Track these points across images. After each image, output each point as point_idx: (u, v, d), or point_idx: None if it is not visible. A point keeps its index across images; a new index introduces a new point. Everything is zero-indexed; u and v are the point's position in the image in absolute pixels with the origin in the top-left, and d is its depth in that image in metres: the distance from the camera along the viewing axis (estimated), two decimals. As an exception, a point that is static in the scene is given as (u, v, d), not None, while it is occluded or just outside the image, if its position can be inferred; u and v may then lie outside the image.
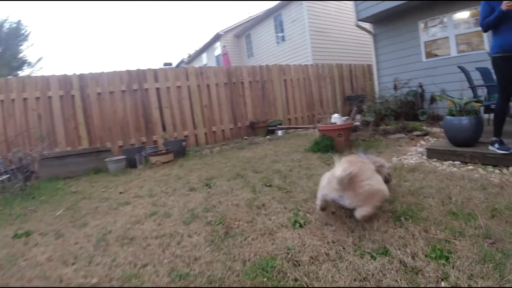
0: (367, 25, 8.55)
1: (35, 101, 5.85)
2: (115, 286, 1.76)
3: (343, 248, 1.92)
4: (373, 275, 1.62)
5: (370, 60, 9.77)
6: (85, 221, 2.88)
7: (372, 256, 1.79)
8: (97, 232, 2.56)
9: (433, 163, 3.72)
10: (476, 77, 4.71)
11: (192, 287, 1.68)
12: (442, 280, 1.54)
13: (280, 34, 13.91)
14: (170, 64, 18.01)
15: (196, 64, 20.27)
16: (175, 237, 2.28)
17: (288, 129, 8.07)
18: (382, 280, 1.57)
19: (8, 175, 4.35)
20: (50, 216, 3.14)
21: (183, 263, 1.88)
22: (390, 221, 2.24)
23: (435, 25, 7.16)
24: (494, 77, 4.76)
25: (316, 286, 1.58)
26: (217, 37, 17.88)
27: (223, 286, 1.64)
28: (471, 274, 1.56)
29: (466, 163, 3.47)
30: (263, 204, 2.82)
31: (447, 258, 1.71)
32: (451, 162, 3.62)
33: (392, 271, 1.63)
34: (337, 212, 2.41)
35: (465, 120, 3.57)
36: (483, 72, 4.70)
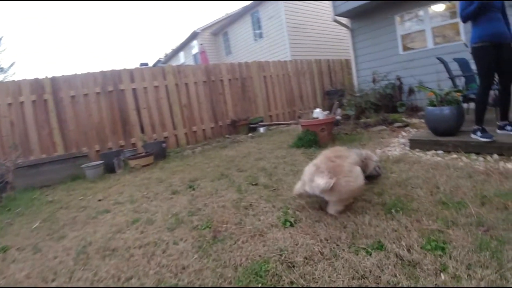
0: (344, 20, 8.59)
1: (7, 108, 5.53)
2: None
3: (337, 245, 1.85)
4: (370, 271, 1.56)
5: (348, 55, 9.86)
6: (63, 233, 2.70)
7: (367, 252, 1.73)
8: (77, 244, 2.39)
9: (417, 153, 3.74)
10: (454, 68, 4.80)
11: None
12: (441, 271, 1.50)
13: (258, 31, 13.82)
14: (147, 64, 17.48)
15: (173, 64, 19.84)
16: (159, 245, 2.14)
17: (270, 126, 8.01)
18: (380, 277, 1.51)
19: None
20: (27, 229, 2.94)
21: (170, 273, 1.75)
22: (381, 214, 2.20)
23: (411, 19, 7.28)
24: (472, 67, 4.89)
25: (314, 287, 1.50)
26: (194, 35, 17.56)
27: (222, 286, 1.54)
28: (469, 264, 1.52)
29: (449, 152, 3.51)
30: (251, 204, 2.72)
31: (443, 249, 1.67)
32: (434, 151, 3.65)
33: (390, 266, 1.58)
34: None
35: (446, 110, 3.61)
36: (461, 62, 4.80)
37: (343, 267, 1.61)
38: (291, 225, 2.20)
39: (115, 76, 6.49)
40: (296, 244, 1.90)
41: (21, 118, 5.63)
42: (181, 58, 20.59)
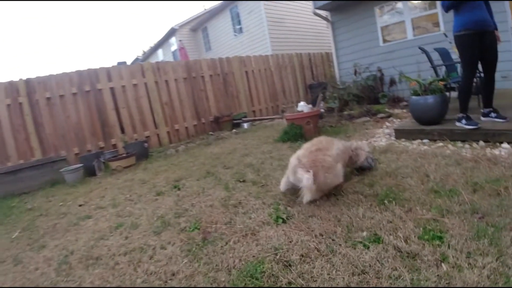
0: (324, 13, 8.57)
1: (-19, 113, 5.20)
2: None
3: (333, 240, 1.79)
4: (370, 266, 1.50)
5: (328, 49, 9.87)
6: (44, 242, 2.54)
7: (365, 246, 1.68)
8: (58, 254, 2.24)
9: (403, 143, 3.75)
10: (435, 58, 4.85)
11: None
12: (442, 261, 1.46)
13: (238, 26, 13.63)
14: (124, 63, 16.99)
15: (152, 61, 19.39)
16: (146, 251, 2.01)
17: (254, 121, 7.92)
18: (381, 271, 1.45)
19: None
20: (7, 239, 2.78)
21: (159, 281, 1.63)
22: (374, 205, 2.17)
23: (390, 10, 7.32)
24: (453, 56, 4.96)
25: (313, 287, 1.42)
26: (172, 32, 17.14)
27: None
28: (469, 252, 1.49)
29: (435, 140, 3.53)
30: (240, 202, 2.63)
31: (440, 238, 1.64)
32: (420, 140, 3.67)
33: (389, 259, 1.53)
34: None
35: (430, 99, 3.62)
36: (442, 52, 4.85)
37: (341, 263, 1.55)
38: (284, 221, 2.13)
39: (92, 76, 6.21)
40: (291, 242, 1.83)
41: (-4, 123, 5.32)
42: (160, 56, 20.09)
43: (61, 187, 4.63)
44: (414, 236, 1.69)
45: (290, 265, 1.60)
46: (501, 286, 1.27)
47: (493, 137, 3.07)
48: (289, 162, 2.45)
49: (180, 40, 15.24)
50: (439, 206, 1.98)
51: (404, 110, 5.97)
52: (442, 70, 4.98)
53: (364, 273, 1.46)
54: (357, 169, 2.86)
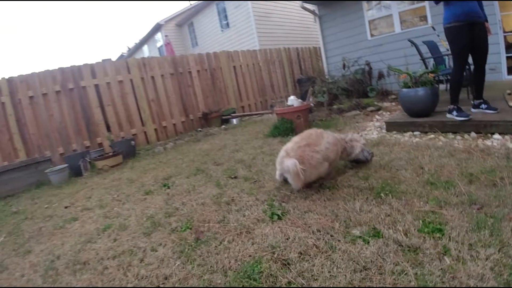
0: (312, 7, 8.50)
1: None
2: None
3: (332, 236, 1.73)
4: (372, 261, 1.45)
5: (316, 43, 9.82)
6: (29, 246, 2.42)
7: (364, 241, 1.63)
8: (44, 259, 2.13)
9: (394, 135, 3.74)
10: (423, 50, 4.85)
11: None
12: (444, 254, 1.42)
13: (224, 22, 13.44)
14: (109, 60, 16.58)
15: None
16: (136, 253, 1.91)
17: (243, 117, 7.83)
18: (383, 266, 1.41)
19: None
20: None
21: (151, 285, 1.54)
22: (371, 198, 2.13)
23: (378, 4, 7.31)
24: (441, 49, 4.98)
25: (314, 287, 1.36)
26: (157, 27, 16.80)
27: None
28: (470, 244, 1.46)
29: (426, 132, 3.52)
30: (232, 199, 2.55)
31: (440, 230, 1.61)
32: (411, 133, 3.66)
33: (391, 254, 1.48)
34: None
35: (421, 91, 3.61)
36: (430, 45, 4.86)
37: (342, 260, 1.49)
38: (279, 218, 2.06)
39: (75, 73, 5.98)
40: (288, 239, 1.77)
41: (-21, 125, 5.08)
42: (145, 52, 19.69)
43: (47, 188, 4.46)
44: (414, 229, 1.65)
45: (288, 264, 1.53)
46: (506, 277, 1.23)
47: (484, 128, 3.08)
48: (278, 155, 2.50)
49: (166, 36, 14.93)
50: (436, 198, 1.95)
51: (393, 103, 5.98)
52: (430, 63, 5.00)
53: (366, 270, 1.41)
54: (351, 161, 2.82)
